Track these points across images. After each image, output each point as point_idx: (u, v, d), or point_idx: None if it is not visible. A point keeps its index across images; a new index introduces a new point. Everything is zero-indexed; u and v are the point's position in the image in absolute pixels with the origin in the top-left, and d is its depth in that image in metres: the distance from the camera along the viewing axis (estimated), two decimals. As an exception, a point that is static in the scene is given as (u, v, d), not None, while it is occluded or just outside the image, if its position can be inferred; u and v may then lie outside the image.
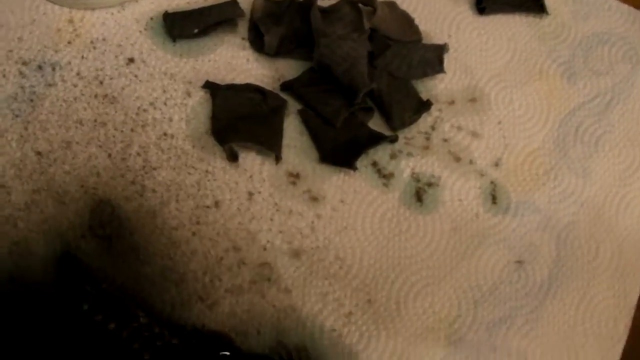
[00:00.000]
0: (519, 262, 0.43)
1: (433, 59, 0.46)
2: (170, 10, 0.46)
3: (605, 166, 0.46)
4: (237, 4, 0.46)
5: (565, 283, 0.43)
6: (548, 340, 0.41)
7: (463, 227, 0.43)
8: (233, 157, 0.43)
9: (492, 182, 0.44)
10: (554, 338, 0.41)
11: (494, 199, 0.44)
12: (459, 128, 0.45)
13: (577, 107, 0.47)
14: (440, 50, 0.46)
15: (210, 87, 0.44)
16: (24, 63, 0.44)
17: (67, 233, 0.41)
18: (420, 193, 0.44)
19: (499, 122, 0.46)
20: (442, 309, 0.41)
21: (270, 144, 0.43)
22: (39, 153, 0.42)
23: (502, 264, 0.43)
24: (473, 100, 0.46)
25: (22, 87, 0.44)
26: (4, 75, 0.44)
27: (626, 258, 0.44)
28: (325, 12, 0.46)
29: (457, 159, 0.45)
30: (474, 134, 0.45)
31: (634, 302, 0.43)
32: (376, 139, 0.43)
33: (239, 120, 0.43)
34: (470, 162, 0.45)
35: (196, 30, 0.45)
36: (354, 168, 0.43)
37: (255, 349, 0.40)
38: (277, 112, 0.44)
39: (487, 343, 0.41)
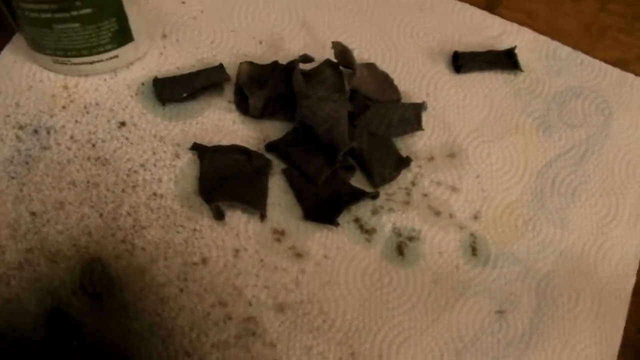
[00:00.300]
0: (500, 312, 0.44)
1: (412, 117, 0.48)
2: (159, 76, 0.48)
3: (583, 216, 0.47)
4: (223, 69, 0.48)
5: (546, 332, 0.44)
6: (531, 390, 0.42)
7: (444, 279, 0.44)
8: (220, 216, 0.44)
9: (471, 235, 0.46)
10: (536, 388, 0.42)
11: (473, 251, 0.45)
12: (438, 183, 0.47)
13: (553, 159, 0.49)
14: (418, 109, 0.48)
15: (198, 149, 0.46)
16: (21, 127, 0.46)
17: (58, 290, 0.42)
18: (402, 247, 0.45)
19: (478, 176, 0.48)
20: (424, 360, 0.42)
21: (255, 202, 0.44)
22: (33, 213, 0.44)
23: (484, 314, 0.44)
24: (451, 155, 0.48)
25: (19, 151, 0.46)
26: (1, 139, 0.46)
27: (606, 305, 0.45)
28: (307, 75, 0.48)
29: (437, 213, 0.46)
30: (453, 189, 0.47)
31: (616, 348, 0.44)
32: (357, 196, 0.45)
33: (225, 181, 0.45)
34: (450, 215, 0.46)
35: (185, 95, 0.47)
36: (336, 224, 0.44)
37: (241, 404, 0.41)
38: (262, 171, 0.46)
39: (469, 395, 0.42)
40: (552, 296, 0.45)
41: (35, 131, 0.46)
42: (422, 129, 0.48)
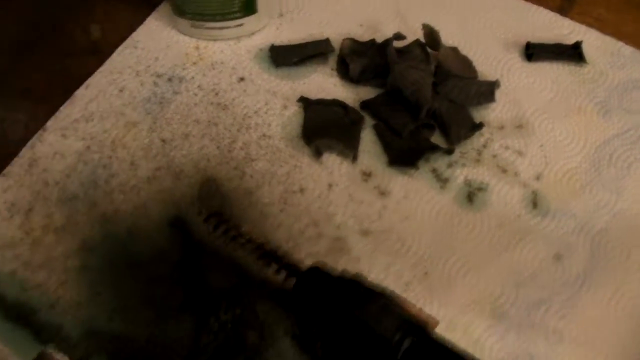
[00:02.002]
0: (557, 256, 0.49)
1: (486, 91, 0.55)
2: (275, 44, 0.58)
3: (636, 187, 0.53)
4: (329, 42, 0.58)
5: (599, 279, 0.49)
6: (583, 324, 0.47)
7: (507, 225, 0.50)
8: (318, 155, 0.52)
9: (533, 192, 0.52)
10: (588, 323, 0.47)
11: (534, 205, 0.51)
12: (506, 147, 0.54)
13: (611, 138, 0.55)
14: (492, 85, 0.56)
15: (304, 101, 0.54)
16: (158, 76, 0.56)
17: (179, 201, 0.51)
18: (471, 195, 0.52)
19: (541, 145, 0.54)
20: (487, 287, 0.48)
21: (349, 146, 0.52)
22: (163, 140, 0.53)
23: (542, 257, 0.49)
24: (519, 126, 0.55)
25: (155, 93, 0.55)
26: (141, 84, 0.56)
27: (656, 262, 0.50)
28: (399, 51, 0.56)
29: (504, 171, 0.53)
30: (519, 153, 0.54)
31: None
32: (435, 148, 0.52)
33: (325, 127, 0.53)
34: (515, 174, 0.53)
35: (295, 60, 0.57)
36: (416, 167, 0.51)
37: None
38: (356, 123, 0.54)
39: (526, 320, 0.47)
40: (605, 249, 0.50)
41: (170, 79, 0.56)
42: (495, 101, 0.55)
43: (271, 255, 0.40)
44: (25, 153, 0.53)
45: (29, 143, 0.53)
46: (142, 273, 0.48)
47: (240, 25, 0.57)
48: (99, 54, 0.58)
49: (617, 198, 0.52)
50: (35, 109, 0.55)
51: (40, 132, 0.54)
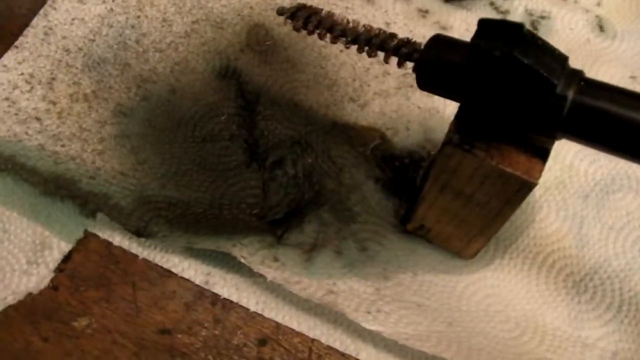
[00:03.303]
0: (633, 77, 0.47)
1: None
2: None
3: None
4: None
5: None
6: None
7: (577, 50, 0.48)
8: (368, -7, 0.48)
9: (597, 16, 0.49)
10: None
11: (601, 28, 0.49)
12: (563, -22, 0.51)
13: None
14: None
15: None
16: None
17: (225, 50, 0.46)
18: (535, 24, 0.48)
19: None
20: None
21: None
22: (197, -8, 0.48)
23: (617, 78, 0.47)
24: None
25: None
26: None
27: None
28: None
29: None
30: (576, -17, 0.51)
31: None
32: (492, -21, 0.49)
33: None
34: (575, 1, 0.50)
35: None
36: (476, -3, 0.48)
37: (405, 144, 0.43)
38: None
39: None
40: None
41: None
42: None
43: (380, 37, 0.34)
44: (38, 22, 0.47)
45: (41, 12, 0.47)
46: (191, 133, 0.43)
47: None
48: None
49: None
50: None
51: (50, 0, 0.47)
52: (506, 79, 0.28)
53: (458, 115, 0.31)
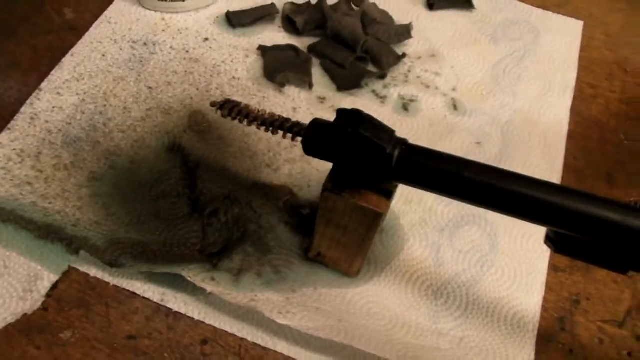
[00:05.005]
0: (478, 143, 0.63)
1: (404, 31, 0.70)
2: (230, 10, 0.69)
3: (527, 90, 0.68)
4: (274, 5, 0.70)
5: (511, 156, 0.63)
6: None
7: (437, 123, 0.64)
8: (281, 86, 0.64)
9: (452, 99, 0.66)
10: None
11: (455, 107, 0.66)
12: (426, 70, 0.68)
13: (502, 58, 0.71)
14: (408, 27, 0.70)
15: (262, 49, 0.66)
16: (134, 42, 0.66)
17: (173, 131, 0.60)
18: (406, 106, 0.65)
19: (452, 67, 0.69)
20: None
21: (304, 77, 0.64)
22: (149, 88, 0.63)
23: (467, 144, 0.63)
24: (433, 55, 0.70)
25: (134, 55, 0.65)
26: (121, 49, 0.66)
27: (550, 141, 0.65)
28: (331, 7, 0.70)
29: (427, 87, 0.67)
30: (436, 73, 0.68)
31: (560, 167, 0.63)
32: (372, 74, 0.66)
33: (282, 66, 0.65)
34: (436, 88, 0.67)
35: (248, 21, 0.69)
36: (360, 86, 0.64)
37: (307, 197, 0.58)
38: (306, 62, 0.66)
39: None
40: (512, 135, 0.65)
41: (145, 44, 0.66)
42: (412, 37, 0.70)
43: (279, 121, 0.49)
44: (26, 110, 0.61)
45: (28, 101, 0.61)
46: (148, 192, 0.57)
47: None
48: (76, 30, 0.67)
49: (514, 99, 0.67)
50: (25, 78, 0.63)
51: (36, 92, 0.62)
52: (356, 147, 0.43)
53: (332, 171, 0.46)
